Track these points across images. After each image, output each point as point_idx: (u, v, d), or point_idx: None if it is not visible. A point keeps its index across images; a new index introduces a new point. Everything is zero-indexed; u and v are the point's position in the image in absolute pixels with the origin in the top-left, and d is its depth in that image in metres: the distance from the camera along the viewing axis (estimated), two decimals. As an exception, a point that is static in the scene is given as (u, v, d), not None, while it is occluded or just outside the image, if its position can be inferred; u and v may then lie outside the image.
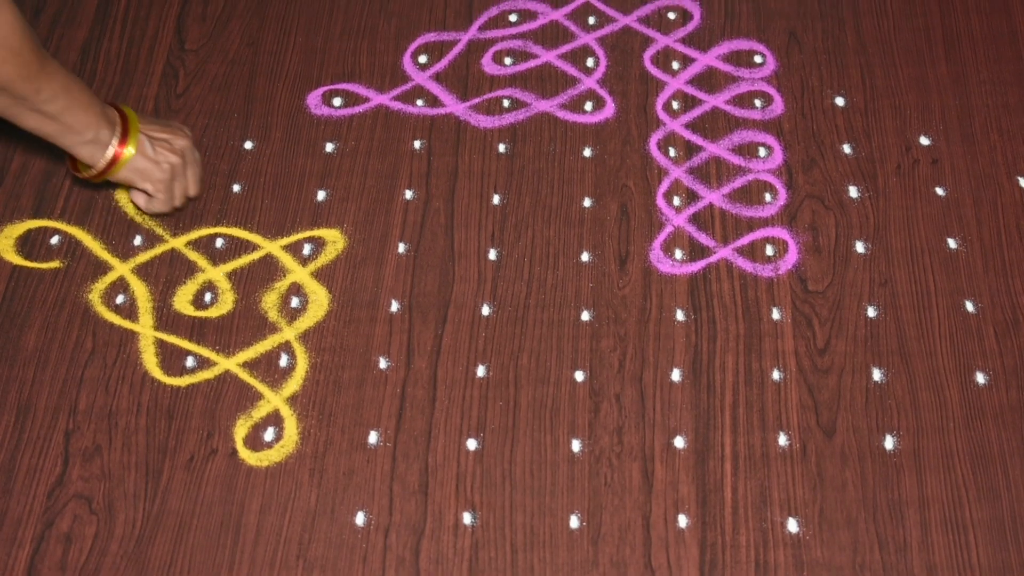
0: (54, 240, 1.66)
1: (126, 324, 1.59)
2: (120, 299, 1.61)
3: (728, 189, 1.68)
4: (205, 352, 1.56)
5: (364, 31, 1.89)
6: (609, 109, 1.78)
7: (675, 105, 1.78)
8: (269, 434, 1.50)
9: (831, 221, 1.65)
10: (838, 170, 1.70)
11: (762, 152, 1.72)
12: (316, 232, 1.67)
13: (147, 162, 1.58)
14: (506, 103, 1.79)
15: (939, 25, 1.86)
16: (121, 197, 1.70)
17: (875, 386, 1.51)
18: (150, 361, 1.56)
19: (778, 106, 1.77)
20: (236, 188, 1.71)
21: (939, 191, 1.67)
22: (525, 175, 1.71)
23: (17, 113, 1.46)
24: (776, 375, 1.52)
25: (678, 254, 1.62)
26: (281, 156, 1.74)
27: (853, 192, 1.67)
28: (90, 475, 1.47)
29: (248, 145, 1.75)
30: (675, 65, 1.83)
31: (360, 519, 1.43)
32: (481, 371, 1.54)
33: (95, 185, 1.69)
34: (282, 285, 1.62)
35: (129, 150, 1.56)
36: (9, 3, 1.36)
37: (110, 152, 1.54)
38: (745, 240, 1.64)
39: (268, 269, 1.63)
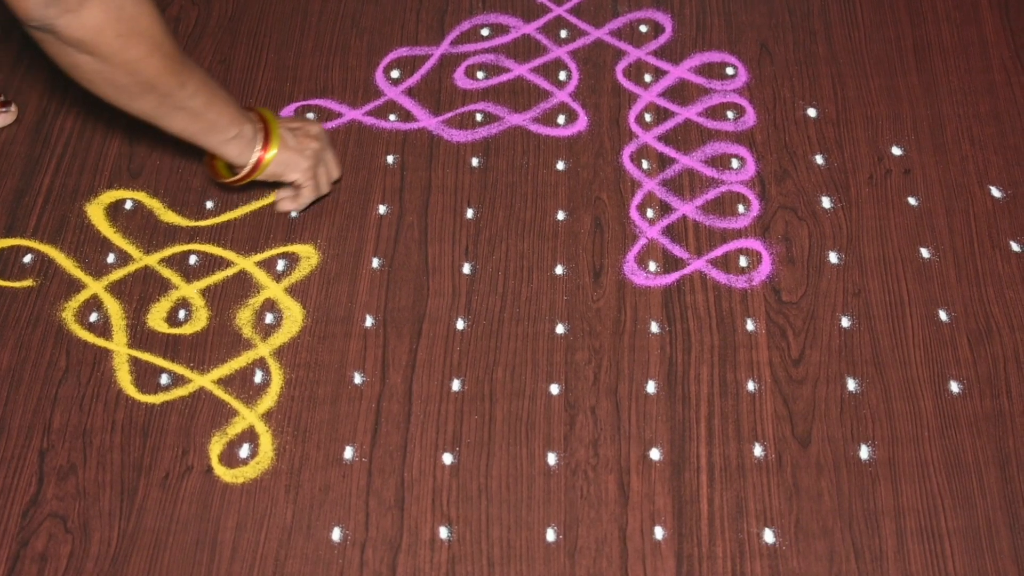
0: (27, 259, 1.65)
1: (100, 342, 1.58)
2: (94, 317, 1.60)
3: (701, 201, 1.69)
4: (179, 369, 1.56)
5: (336, 47, 1.89)
6: (582, 122, 1.78)
7: (648, 117, 1.78)
8: (244, 451, 1.49)
9: (804, 232, 1.65)
10: (811, 181, 1.70)
11: (735, 164, 1.72)
12: (290, 248, 1.66)
13: (292, 153, 1.59)
14: (479, 117, 1.79)
15: (909, 35, 1.87)
16: (94, 214, 1.69)
17: (850, 396, 1.51)
18: (124, 379, 1.55)
19: (750, 118, 1.77)
20: (209, 205, 1.71)
21: (911, 201, 1.68)
22: (498, 189, 1.71)
23: (164, 112, 1.43)
24: (751, 386, 1.52)
25: (652, 266, 1.63)
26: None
27: (826, 203, 1.68)
28: (65, 494, 1.46)
29: (221, 161, 1.74)
30: (647, 78, 1.83)
31: (336, 535, 1.43)
32: (456, 385, 1.53)
33: (66, 203, 1.69)
34: (256, 301, 1.61)
35: (273, 145, 1.57)
36: None
37: (257, 148, 1.56)
38: (719, 252, 1.64)
39: (242, 285, 1.63)
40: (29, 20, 1.25)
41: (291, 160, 1.59)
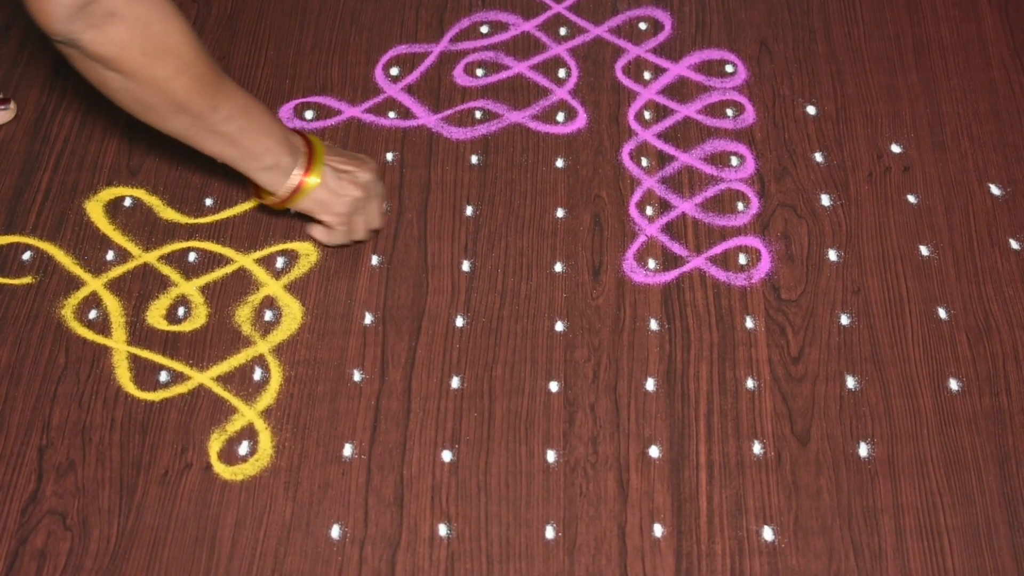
0: (26, 256, 1.65)
1: (99, 339, 1.58)
2: (93, 314, 1.60)
3: (701, 198, 1.69)
4: (179, 366, 1.56)
5: (335, 44, 1.89)
6: (581, 120, 1.78)
7: (647, 115, 1.78)
8: (243, 448, 1.49)
9: (803, 229, 1.65)
10: (810, 179, 1.70)
11: (734, 161, 1.72)
12: (289, 245, 1.66)
13: (329, 194, 1.53)
14: (478, 114, 1.79)
15: (909, 33, 1.87)
16: (93, 211, 1.69)
17: (849, 394, 1.51)
18: (123, 376, 1.55)
19: (750, 115, 1.77)
20: (209, 202, 1.70)
21: (911, 198, 1.68)
22: (498, 186, 1.71)
23: (196, 135, 1.38)
24: (750, 383, 1.52)
25: (651, 264, 1.63)
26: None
27: (825, 200, 1.68)
28: (64, 491, 1.46)
29: (220, 159, 1.74)
30: (647, 75, 1.83)
31: (335, 532, 1.43)
32: (455, 382, 1.53)
33: (65, 200, 1.69)
34: (255, 299, 1.61)
35: (312, 180, 1.50)
36: (178, 14, 1.30)
37: (293, 180, 1.49)
38: (718, 249, 1.64)
39: (241, 283, 1.63)
40: (54, 34, 1.24)
41: (327, 201, 1.54)
